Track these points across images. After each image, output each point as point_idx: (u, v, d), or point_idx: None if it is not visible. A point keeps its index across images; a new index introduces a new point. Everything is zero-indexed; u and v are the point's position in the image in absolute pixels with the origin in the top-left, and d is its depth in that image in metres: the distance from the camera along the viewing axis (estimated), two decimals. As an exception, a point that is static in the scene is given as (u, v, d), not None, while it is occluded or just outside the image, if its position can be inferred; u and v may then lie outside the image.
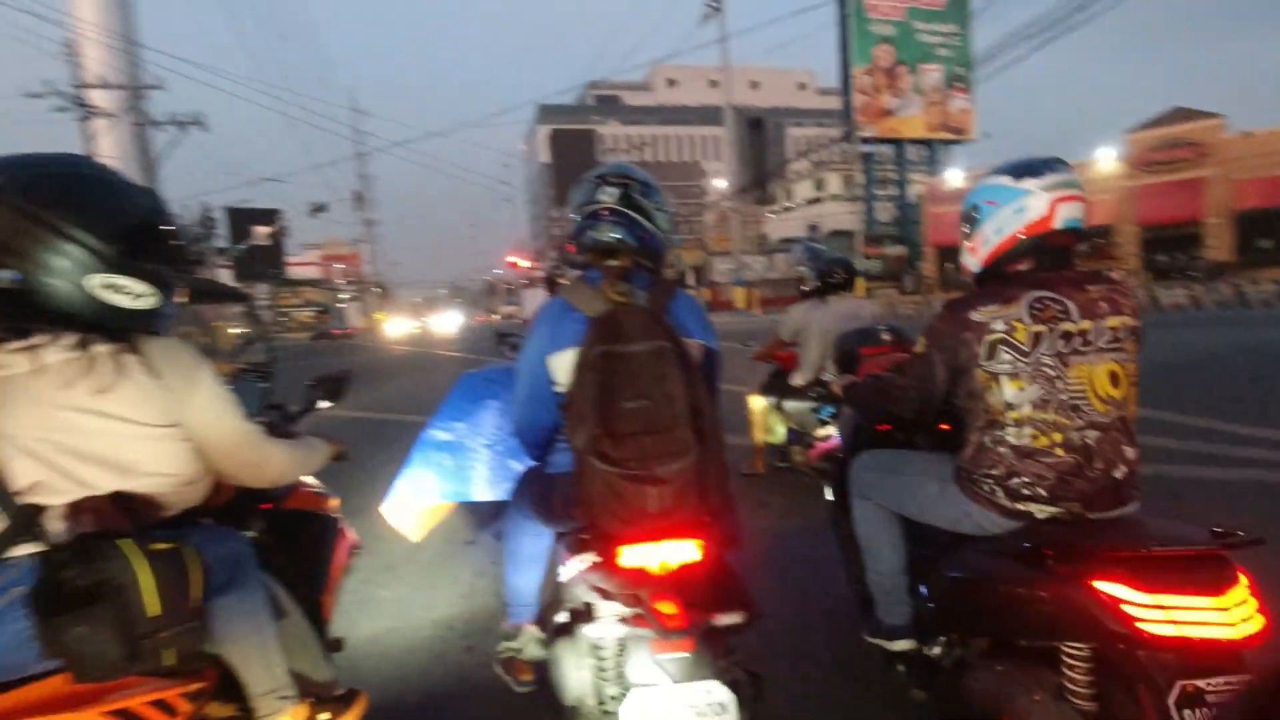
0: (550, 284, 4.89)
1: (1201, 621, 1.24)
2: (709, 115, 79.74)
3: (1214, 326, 14.67)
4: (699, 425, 1.50)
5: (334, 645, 1.88)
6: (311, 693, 1.61)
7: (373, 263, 59.91)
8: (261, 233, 26.73)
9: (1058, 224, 1.62)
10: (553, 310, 1.69)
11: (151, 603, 1.13)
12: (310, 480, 2.04)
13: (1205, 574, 1.29)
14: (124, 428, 1.21)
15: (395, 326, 47.87)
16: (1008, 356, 1.60)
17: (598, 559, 1.57)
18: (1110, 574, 1.32)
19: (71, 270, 1.16)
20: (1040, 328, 1.58)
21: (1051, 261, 1.66)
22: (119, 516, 1.20)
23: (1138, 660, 1.31)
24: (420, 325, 52.32)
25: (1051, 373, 1.58)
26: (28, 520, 1.15)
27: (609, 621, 1.61)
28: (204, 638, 1.27)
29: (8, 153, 1.21)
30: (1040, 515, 1.60)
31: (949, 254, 34.26)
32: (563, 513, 1.68)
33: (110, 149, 18.71)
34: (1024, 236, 1.64)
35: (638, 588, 1.51)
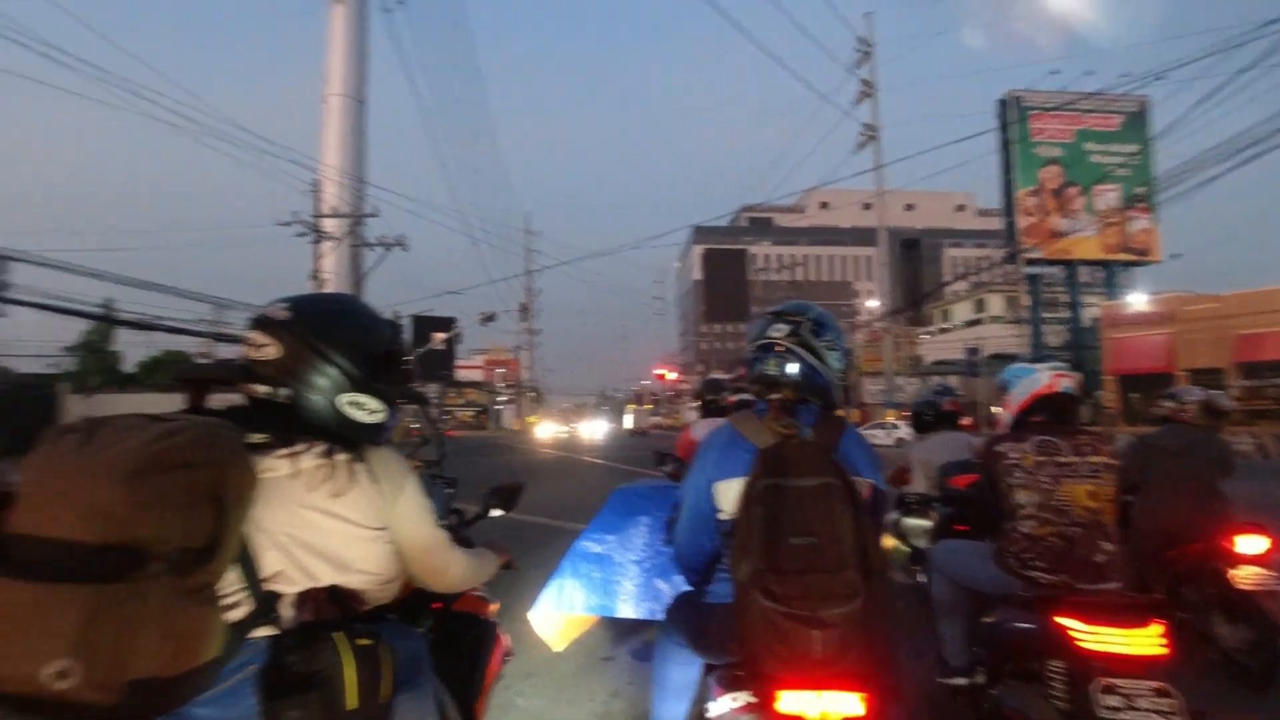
0: (701, 401, 4.97)
1: (1116, 643, 1.98)
2: (862, 236, 79.72)
3: None
4: (867, 567, 1.44)
5: None
6: None
7: (530, 369, 63.77)
8: (438, 338, 29.62)
9: (1059, 389, 2.55)
10: (721, 437, 1.72)
11: (351, 696, 1.22)
12: None
13: (1126, 616, 2.04)
14: (348, 528, 1.34)
15: (545, 430, 50.02)
16: (1019, 475, 2.43)
17: (753, 699, 1.51)
18: (1065, 612, 2.09)
19: (329, 388, 1.36)
20: (1042, 458, 2.42)
21: (1054, 416, 2.53)
22: (332, 608, 1.32)
23: (1080, 666, 2.01)
24: (569, 430, 54.35)
25: (1046, 486, 2.39)
26: (268, 605, 1.26)
27: (759, 769, 1.53)
28: None
29: (296, 293, 1.49)
30: (1043, 581, 2.33)
31: (1133, 383, 30.73)
32: (718, 645, 1.64)
33: (332, 267, 22.10)
34: (1037, 397, 2.56)
35: (796, 737, 1.44)
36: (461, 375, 61.07)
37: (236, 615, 1.20)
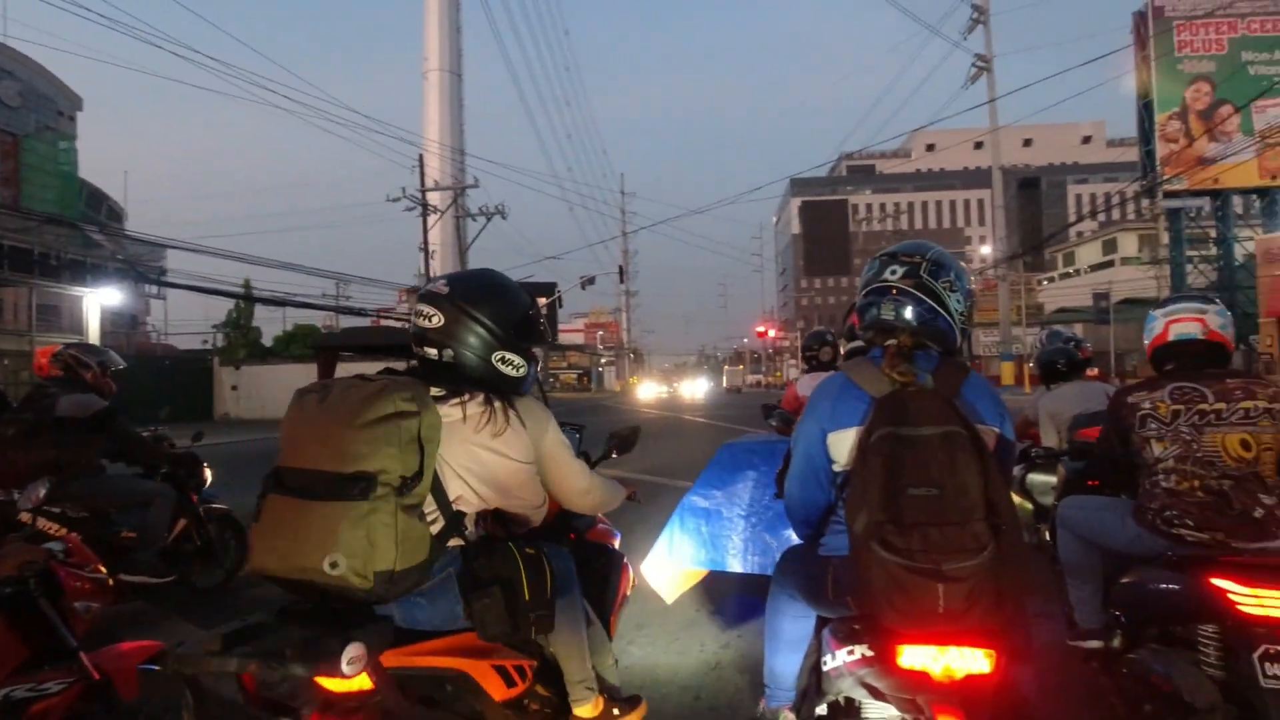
0: (805, 355, 4.88)
1: None
2: (973, 178, 74.65)
3: None
4: (995, 521, 1.37)
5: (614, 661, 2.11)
6: (605, 690, 1.90)
7: (630, 330, 64.67)
8: (540, 304, 30.49)
9: (1171, 337, 2.37)
10: (834, 386, 1.68)
11: (525, 592, 1.56)
12: (603, 519, 2.47)
13: None
14: (506, 462, 1.62)
15: (646, 390, 50.74)
16: (1153, 425, 2.27)
17: (870, 653, 1.49)
18: (1221, 574, 1.92)
19: (482, 348, 1.64)
20: (1178, 405, 2.23)
21: (1188, 364, 2.32)
22: (499, 527, 1.66)
23: (1238, 631, 1.86)
24: (670, 390, 54.89)
25: (1187, 436, 2.21)
26: (457, 522, 1.57)
27: (878, 723, 1.51)
28: (552, 626, 1.64)
29: (455, 271, 1.79)
30: (1190, 539, 2.15)
31: (1300, 326, 27.38)
32: (834, 598, 1.62)
33: (438, 238, 23.25)
34: (1154, 346, 2.42)
35: (917, 693, 1.41)
36: (563, 339, 62.75)
37: (435, 529, 1.52)
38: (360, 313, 25.46)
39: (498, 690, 1.57)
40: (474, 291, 1.69)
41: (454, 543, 1.57)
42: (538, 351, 1.82)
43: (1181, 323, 2.38)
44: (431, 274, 26.24)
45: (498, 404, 1.61)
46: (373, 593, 1.38)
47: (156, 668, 2.06)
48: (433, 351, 1.64)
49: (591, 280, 29.06)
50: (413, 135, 24.67)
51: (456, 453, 1.57)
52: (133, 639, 2.14)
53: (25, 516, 3.43)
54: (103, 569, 2.08)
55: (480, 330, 1.63)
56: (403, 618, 1.54)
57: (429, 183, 23.84)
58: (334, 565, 1.34)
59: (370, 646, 1.33)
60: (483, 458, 1.59)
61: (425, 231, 23.99)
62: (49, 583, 1.88)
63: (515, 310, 1.71)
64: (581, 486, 1.83)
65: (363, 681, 1.36)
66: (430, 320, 1.64)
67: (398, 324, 25.90)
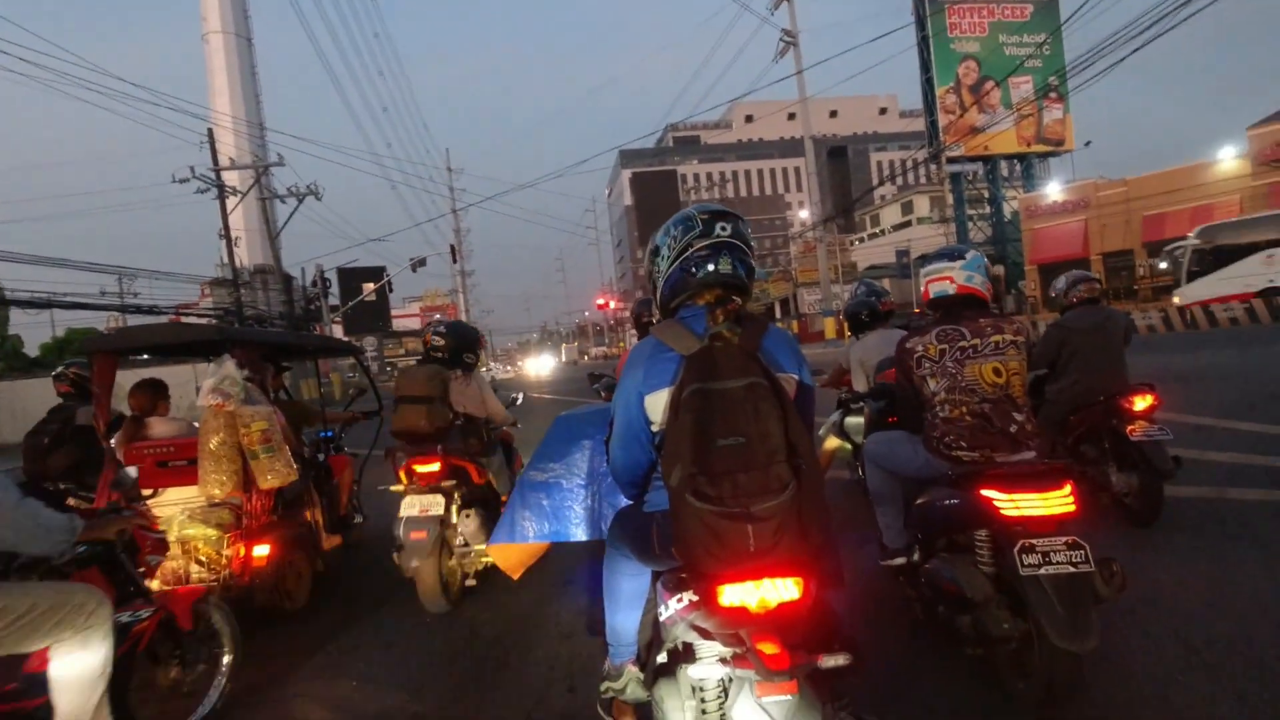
0: (638, 323, 4.95)
1: (1032, 507, 2.17)
2: (789, 148, 79.48)
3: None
4: (796, 462, 1.48)
5: None
6: None
7: (468, 311, 62.64)
8: (368, 289, 28.69)
9: (931, 295, 2.72)
10: (646, 350, 1.71)
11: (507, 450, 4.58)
12: (508, 430, 4.77)
13: (1040, 481, 2.21)
14: (472, 398, 4.20)
15: (490, 373, 49.70)
16: (926, 365, 2.61)
17: (696, 598, 1.56)
18: (988, 485, 2.26)
19: (458, 352, 4.23)
20: (943, 345, 2.58)
21: (950, 312, 2.66)
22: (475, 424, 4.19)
23: (1003, 531, 2.22)
24: (513, 370, 54.15)
25: (952, 370, 2.56)
26: (456, 415, 4.08)
27: (710, 662, 1.59)
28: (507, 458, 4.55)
29: (443, 319, 5.19)
30: (965, 459, 2.50)
31: (1053, 271, 32.22)
32: (660, 551, 1.67)
33: (240, 222, 20.82)
34: (925, 302, 2.78)
35: (738, 627, 1.50)
36: (398, 325, 59.55)
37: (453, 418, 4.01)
38: (152, 311, 22.17)
39: (479, 479, 3.83)
40: (456, 329, 4.14)
41: (457, 423, 3.97)
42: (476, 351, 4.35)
43: (936, 282, 2.70)
44: (238, 262, 23.68)
45: (467, 374, 4.15)
46: (435, 435, 3.80)
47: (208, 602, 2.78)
48: (440, 355, 4.09)
49: (422, 262, 27.76)
50: (200, 108, 21.87)
51: (455, 393, 4.00)
52: None
53: (71, 501, 4.28)
54: (162, 529, 2.93)
55: (462, 344, 4.10)
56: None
57: (224, 161, 21.31)
58: (428, 423, 3.76)
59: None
60: (468, 395, 4.08)
61: (225, 215, 21.52)
62: (129, 542, 2.49)
63: (473, 337, 4.27)
64: (498, 407, 4.31)
65: (435, 465, 3.65)
66: (441, 341, 4.11)
67: (200, 320, 23.13)
